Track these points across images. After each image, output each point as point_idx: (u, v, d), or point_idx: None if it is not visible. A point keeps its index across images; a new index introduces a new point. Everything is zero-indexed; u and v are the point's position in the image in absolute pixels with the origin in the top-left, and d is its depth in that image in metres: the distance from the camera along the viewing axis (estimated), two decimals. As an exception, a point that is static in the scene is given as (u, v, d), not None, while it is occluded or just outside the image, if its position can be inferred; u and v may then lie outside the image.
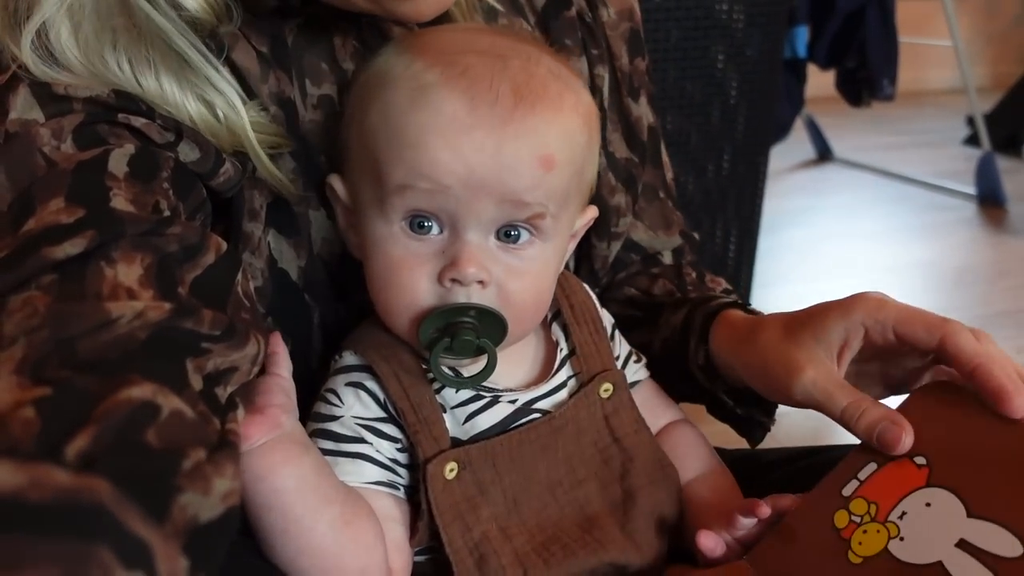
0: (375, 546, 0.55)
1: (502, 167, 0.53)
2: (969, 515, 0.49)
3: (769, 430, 0.72)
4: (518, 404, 0.60)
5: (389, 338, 0.59)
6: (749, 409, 0.70)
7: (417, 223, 0.55)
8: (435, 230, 0.55)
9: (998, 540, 0.47)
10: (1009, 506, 0.48)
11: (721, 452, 0.73)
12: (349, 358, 0.60)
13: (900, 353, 0.59)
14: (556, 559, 0.56)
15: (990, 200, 3.05)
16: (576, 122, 0.57)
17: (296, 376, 0.61)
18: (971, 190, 3.11)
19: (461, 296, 0.55)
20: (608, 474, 0.61)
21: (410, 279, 0.55)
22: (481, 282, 0.55)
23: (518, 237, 0.56)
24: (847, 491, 0.55)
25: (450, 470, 0.56)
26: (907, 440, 0.54)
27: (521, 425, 0.59)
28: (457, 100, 0.52)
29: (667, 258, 0.81)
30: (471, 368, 0.58)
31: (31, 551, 0.34)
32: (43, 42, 0.52)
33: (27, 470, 0.36)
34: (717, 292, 0.75)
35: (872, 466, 0.55)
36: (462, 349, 0.55)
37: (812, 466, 0.61)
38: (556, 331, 0.64)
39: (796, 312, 0.62)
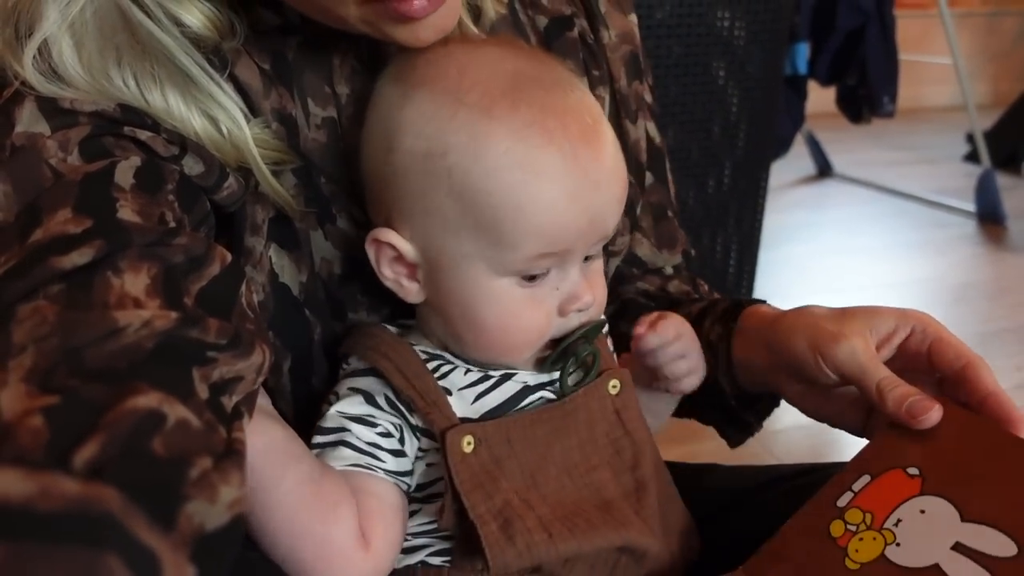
0: (343, 508, 0.55)
1: (605, 208, 0.57)
2: (963, 519, 0.50)
3: (752, 435, 0.73)
4: (526, 383, 0.61)
5: (387, 337, 0.61)
6: (743, 406, 0.71)
7: (534, 275, 0.57)
8: (546, 275, 0.58)
9: (993, 541, 0.49)
10: (1002, 510, 0.50)
11: (718, 467, 0.74)
12: (354, 363, 0.61)
13: (916, 371, 0.60)
14: (580, 530, 0.57)
15: (990, 217, 3.06)
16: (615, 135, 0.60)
17: (298, 393, 0.62)
18: (971, 207, 3.12)
19: (575, 321, 0.60)
20: (620, 464, 0.62)
21: (533, 320, 0.59)
22: None
23: (593, 255, 0.61)
24: (842, 502, 0.56)
25: (467, 443, 0.57)
26: (935, 414, 0.55)
27: (532, 405, 0.60)
28: (562, 151, 0.54)
29: (669, 271, 0.81)
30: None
31: (40, 560, 0.34)
32: (45, 59, 0.52)
33: (36, 479, 0.36)
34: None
35: (866, 478, 0.56)
36: (583, 360, 0.61)
37: (811, 484, 0.61)
38: None
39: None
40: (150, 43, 0.54)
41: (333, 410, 0.59)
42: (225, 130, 0.56)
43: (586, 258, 0.60)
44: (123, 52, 0.53)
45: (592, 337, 0.61)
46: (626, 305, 0.77)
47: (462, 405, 0.59)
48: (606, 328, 0.68)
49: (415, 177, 0.57)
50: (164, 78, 0.55)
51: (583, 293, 0.59)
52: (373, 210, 0.61)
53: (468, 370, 0.60)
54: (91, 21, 0.52)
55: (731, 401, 0.71)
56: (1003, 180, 3.16)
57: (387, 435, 0.59)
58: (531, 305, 0.58)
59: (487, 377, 0.60)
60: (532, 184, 0.54)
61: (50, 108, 0.52)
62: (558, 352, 0.60)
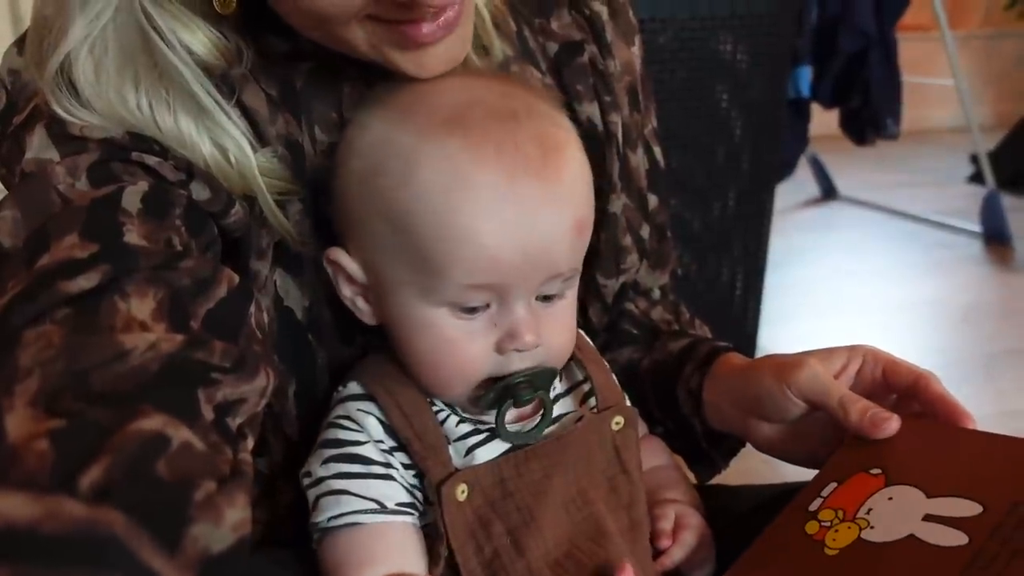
0: None
1: (547, 244, 0.55)
2: (929, 497, 0.54)
3: (719, 472, 0.75)
4: (524, 430, 0.60)
5: (393, 369, 0.60)
6: (711, 446, 0.72)
7: (469, 308, 0.56)
8: (485, 309, 0.56)
9: (959, 506, 0.52)
10: (963, 482, 0.54)
11: (720, 489, 0.75)
12: (354, 387, 0.61)
13: (871, 396, 0.61)
14: (569, 575, 0.57)
15: (995, 238, 3.05)
16: (587, 171, 0.59)
17: (303, 417, 0.62)
18: (976, 227, 3.12)
19: (516, 361, 0.57)
20: (616, 502, 0.61)
21: (467, 354, 0.57)
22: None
23: (553, 296, 0.58)
24: (813, 507, 0.58)
25: (461, 491, 0.56)
26: (894, 423, 0.59)
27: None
28: (496, 180, 0.53)
29: (656, 294, 0.82)
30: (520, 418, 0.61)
31: None
32: (65, 75, 0.53)
33: (42, 502, 0.37)
34: (712, 337, 0.77)
35: (833, 484, 0.59)
36: (523, 404, 0.59)
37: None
38: None
39: None
40: (166, 68, 0.54)
41: (372, 441, 0.58)
42: (233, 159, 0.57)
43: (547, 297, 0.58)
44: (141, 76, 0.54)
45: (539, 384, 0.58)
46: (613, 335, 0.77)
47: (456, 456, 0.59)
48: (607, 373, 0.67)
49: (356, 198, 0.57)
50: (178, 105, 0.55)
51: (523, 333, 0.56)
52: (335, 228, 0.61)
53: (460, 420, 0.60)
54: (112, 41, 0.53)
55: (702, 442, 0.72)
56: (1008, 200, 3.16)
57: (417, 476, 0.59)
58: (465, 339, 0.56)
59: (477, 431, 0.59)
60: (457, 211, 0.53)
61: (60, 134, 0.53)
62: (494, 391, 0.57)
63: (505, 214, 0.53)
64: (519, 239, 0.53)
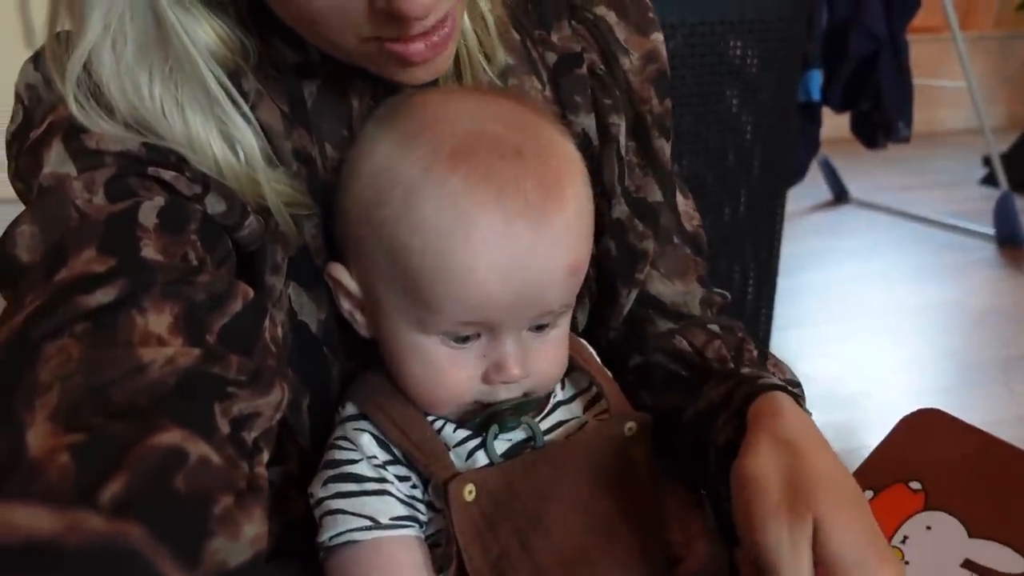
0: None
1: (540, 286, 0.56)
2: (970, 536, 0.51)
3: None
4: (513, 442, 0.61)
5: (386, 385, 0.61)
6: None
7: (461, 337, 0.57)
8: (476, 339, 0.58)
9: (1002, 558, 0.49)
10: (1009, 525, 0.51)
11: None
12: (350, 409, 0.62)
13: None
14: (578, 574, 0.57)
15: (1009, 240, 3.04)
16: (588, 207, 0.59)
17: (317, 430, 0.63)
18: (989, 230, 3.10)
19: (503, 391, 0.59)
20: (627, 505, 0.61)
21: (455, 381, 0.58)
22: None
23: (545, 326, 0.60)
24: None
25: (468, 492, 0.57)
26: None
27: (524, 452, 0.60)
28: (494, 223, 0.53)
29: (716, 327, 0.72)
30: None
31: None
32: (87, 73, 0.53)
33: (64, 516, 0.37)
34: (773, 374, 0.65)
35: (868, 493, 0.56)
36: (508, 431, 0.60)
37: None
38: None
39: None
40: (178, 58, 0.54)
41: (366, 458, 0.59)
42: (242, 155, 0.57)
43: (539, 327, 0.59)
44: (155, 68, 0.54)
45: (522, 413, 0.60)
46: (650, 370, 0.71)
47: (457, 461, 0.59)
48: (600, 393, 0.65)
49: (358, 221, 0.58)
50: (188, 98, 0.55)
51: (510, 367, 0.57)
52: (337, 243, 0.62)
53: (457, 427, 0.60)
54: (131, 31, 0.53)
55: (726, 504, 0.59)
56: (1022, 202, 3.14)
57: (416, 486, 0.59)
58: (454, 365, 0.58)
59: (475, 435, 0.60)
60: (454, 251, 0.54)
61: (77, 149, 0.53)
62: (480, 418, 0.59)
63: (500, 257, 0.54)
64: (512, 281, 0.54)
